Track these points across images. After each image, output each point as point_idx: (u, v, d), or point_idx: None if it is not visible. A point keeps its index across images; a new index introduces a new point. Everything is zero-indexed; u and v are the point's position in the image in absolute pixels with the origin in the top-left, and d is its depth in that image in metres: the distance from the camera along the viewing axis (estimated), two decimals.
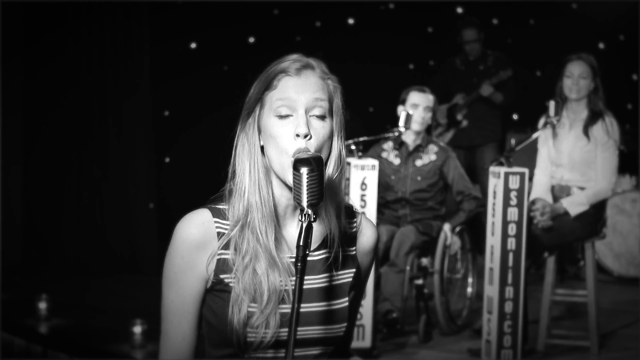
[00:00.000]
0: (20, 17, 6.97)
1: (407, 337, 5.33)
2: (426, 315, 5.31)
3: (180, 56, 8.02)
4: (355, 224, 2.02)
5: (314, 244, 1.93)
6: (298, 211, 1.85)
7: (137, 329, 4.92)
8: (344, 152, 1.94)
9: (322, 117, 1.88)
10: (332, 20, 8.72)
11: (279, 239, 1.92)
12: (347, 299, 1.95)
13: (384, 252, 5.35)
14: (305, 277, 1.86)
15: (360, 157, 5.00)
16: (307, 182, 1.75)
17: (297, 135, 1.84)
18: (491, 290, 4.83)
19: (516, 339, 4.82)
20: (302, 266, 1.72)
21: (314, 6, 8.28)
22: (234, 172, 1.93)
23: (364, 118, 8.15)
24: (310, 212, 1.76)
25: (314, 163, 1.77)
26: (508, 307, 4.80)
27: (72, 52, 7.04)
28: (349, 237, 2.00)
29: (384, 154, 5.56)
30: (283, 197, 1.92)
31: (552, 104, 4.98)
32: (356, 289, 2.02)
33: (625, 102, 8.11)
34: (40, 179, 7.19)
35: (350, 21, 8.83)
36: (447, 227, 5.42)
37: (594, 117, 5.03)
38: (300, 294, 1.71)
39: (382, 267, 5.33)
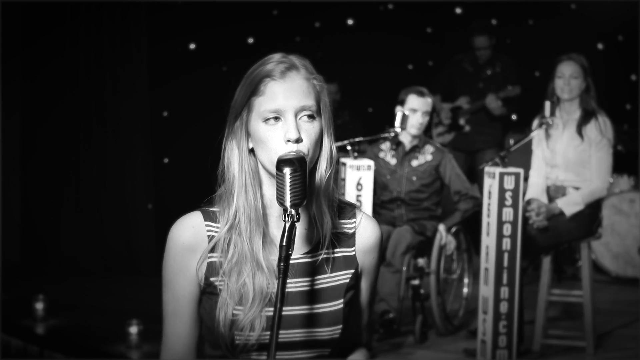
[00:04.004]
0: (18, 18, 6.97)
1: (404, 337, 5.33)
2: (422, 315, 5.31)
3: (179, 57, 8.03)
4: (354, 223, 2.00)
5: (306, 246, 1.93)
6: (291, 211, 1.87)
7: (133, 330, 4.93)
8: (334, 150, 1.93)
9: (311, 118, 1.88)
10: (331, 21, 8.72)
11: (273, 240, 1.92)
12: (342, 301, 1.93)
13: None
14: (296, 280, 1.90)
15: (356, 158, 5.01)
16: (290, 182, 1.76)
17: (288, 141, 1.84)
18: (486, 290, 4.83)
19: (511, 339, 4.82)
20: (284, 266, 1.72)
21: (313, 6, 8.27)
22: (223, 175, 1.94)
23: (363, 118, 8.15)
24: (293, 212, 1.76)
25: (297, 163, 1.77)
26: (503, 307, 4.80)
27: (70, 53, 7.05)
28: (347, 237, 1.98)
29: (381, 154, 5.57)
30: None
31: (547, 104, 4.99)
32: (357, 289, 2.00)
33: (624, 102, 8.11)
34: (38, 180, 7.20)
35: (350, 22, 8.83)
36: (442, 227, 5.43)
37: (586, 117, 5.04)
38: (283, 295, 1.71)
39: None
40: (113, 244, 7.11)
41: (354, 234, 1.99)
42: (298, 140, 1.84)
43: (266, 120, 1.86)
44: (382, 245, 2.08)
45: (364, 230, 2.00)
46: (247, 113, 1.90)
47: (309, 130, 1.87)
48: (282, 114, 1.86)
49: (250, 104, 1.89)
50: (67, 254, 7.09)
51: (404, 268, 5.29)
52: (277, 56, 1.92)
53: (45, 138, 7.15)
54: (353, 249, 1.98)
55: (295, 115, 1.86)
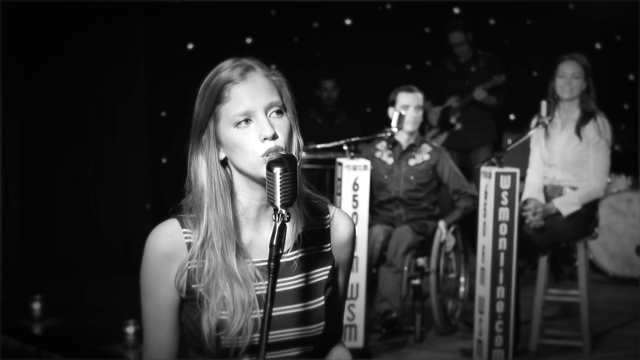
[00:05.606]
0: (15, 20, 6.97)
1: (404, 337, 5.33)
2: (422, 314, 5.31)
3: (177, 57, 8.03)
4: (327, 219, 2.00)
5: (285, 246, 1.90)
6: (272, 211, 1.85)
7: (130, 330, 4.93)
8: (301, 142, 1.94)
9: (279, 113, 1.89)
10: (329, 21, 8.73)
11: (249, 246, 1.92)
12: (322, 297, 1.94)
13: (380, 252, 5.37)
14: (279, 280, 1.88)
15: (352, 158, 5.02)
16: (280, 182, 1.75)
17: (265, 139, 1.84)
18: (483, 290, 4.83)
19: (507, 339, 4.82)
20: (275, 266, 1.73)
21: (311, 7, 8.28)
22: (191, 188, 1.92)
23: (362, 118, 8.16)
24: (284, 212, 1.76)
25: (287, 163, 1.77)
26: (499, 307, 4.80)
27: (67, 54, 7.05)
28: (323, 234, 1.99)
29: (378, 154, 5.58)
30: (254, 199, 1.91)
31: (543, 104, 4.99)
32: (334, 284, 2.02)
33: (622, 102, 8.11)
34: (37, 180, 7.20)
35: (348, 22, 8.84)
36: (442, 224, 5.44)
37: (586, 117, 5.04)
38: (272, 295, 1.71)
39: (380, 267, 5.35)
40: (111, 244, 7.11)
41: (328, 229, 2.00)
42: (274, 137, 1.84)
43: (237, 124, 1.86)
44: (356, 239, 2.07)
45: (338, 225, 2.01)
46: (214, 123, 1.89)
47: (281, 125, 1.88)
48: (252, 114, 1.86)
49: (216, 114, 1.88)
50: (65, 254, 7.09)
51: (405, 268, 5.30)
52: (228, 62, 1.91)
53: (43, 139, 7.15)
54: (329, 244, 2.00)
55: (265, 113, 1.86)
